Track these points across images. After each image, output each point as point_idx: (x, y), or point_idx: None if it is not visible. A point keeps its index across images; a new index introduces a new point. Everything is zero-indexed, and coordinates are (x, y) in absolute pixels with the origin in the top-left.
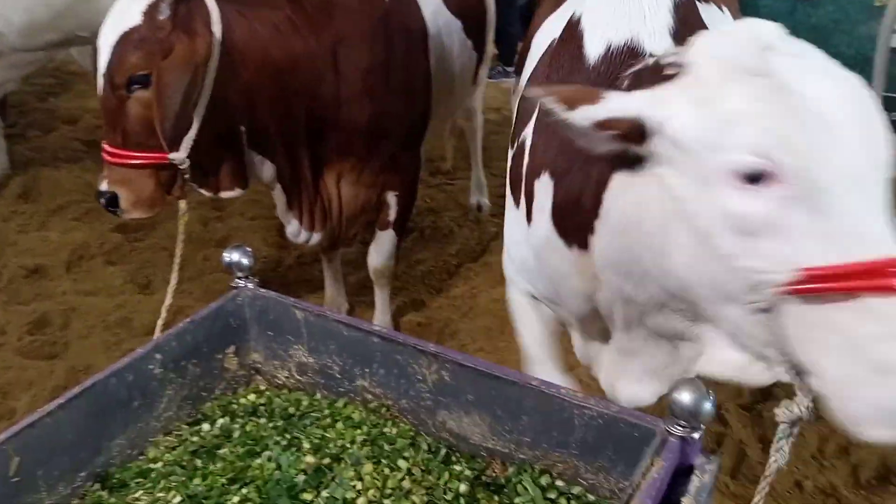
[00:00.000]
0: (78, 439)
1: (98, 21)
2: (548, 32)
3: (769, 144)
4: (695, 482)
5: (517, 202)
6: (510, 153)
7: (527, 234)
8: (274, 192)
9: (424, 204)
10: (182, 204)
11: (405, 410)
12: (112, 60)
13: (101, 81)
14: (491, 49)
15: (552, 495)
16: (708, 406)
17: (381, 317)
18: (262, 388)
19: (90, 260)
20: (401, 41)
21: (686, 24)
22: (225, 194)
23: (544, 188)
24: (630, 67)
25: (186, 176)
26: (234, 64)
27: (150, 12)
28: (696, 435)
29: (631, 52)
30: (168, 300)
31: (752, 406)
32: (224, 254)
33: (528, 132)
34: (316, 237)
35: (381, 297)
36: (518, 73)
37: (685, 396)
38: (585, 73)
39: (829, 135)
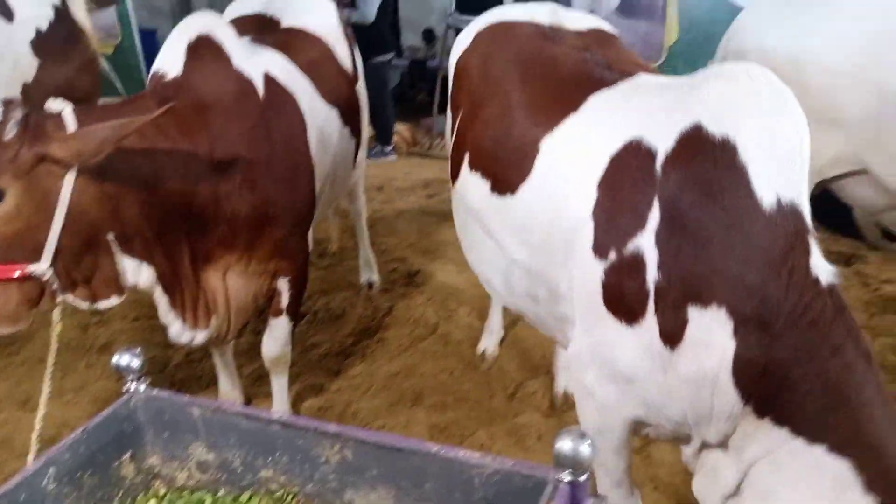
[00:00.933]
0: None
1: None
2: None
3: None
4: None
5: (630, 319)
6: (597, 261)
7: (665, 362)
8: (154, 293)
9: (315, 287)
10: (55, 311)
11: (311, 495)
12: None
13: None
14: (367, 132)
15: None
16: (586, 450)
17: (279, 406)
18: (162, 491)
19: None
20: (280, 134)
21: None
22: (102, 304)
23: (716, 324)
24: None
25: (54, 287)
26: (91, 174)
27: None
28: (582, 478)
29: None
30: (41, 410)
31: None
32: (113, 358)
33: (643, 241)
34: (201, 335)
35: (278, 386)
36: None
37: (566, 444)
38: (760, 223)
39: None
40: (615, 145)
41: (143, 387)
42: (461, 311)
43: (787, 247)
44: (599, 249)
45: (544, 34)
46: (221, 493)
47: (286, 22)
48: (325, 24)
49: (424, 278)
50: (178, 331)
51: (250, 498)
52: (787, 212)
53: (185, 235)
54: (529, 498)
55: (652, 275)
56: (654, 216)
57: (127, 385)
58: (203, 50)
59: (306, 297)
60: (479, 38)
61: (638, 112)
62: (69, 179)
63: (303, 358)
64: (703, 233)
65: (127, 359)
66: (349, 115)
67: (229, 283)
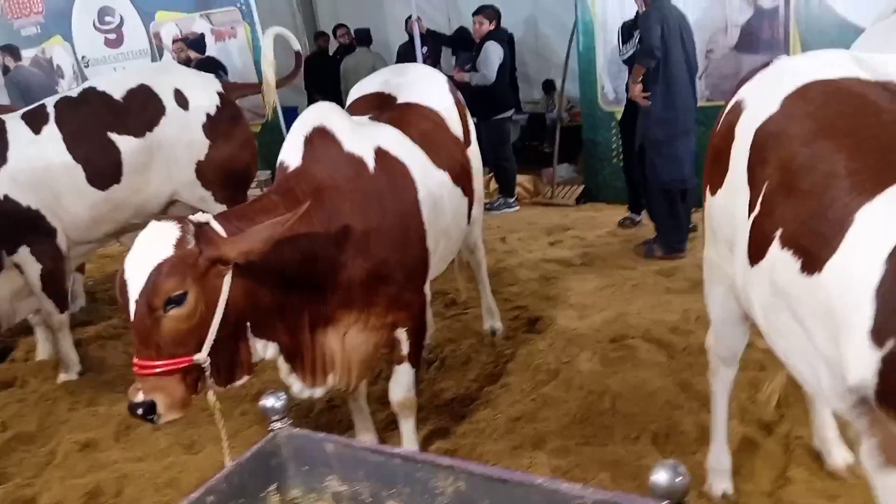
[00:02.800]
0: None
1: (147, 210)
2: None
3: None
4: None
5: None
6: (872, 350)
7: None
8: (277, 362)
9: (443, 335)
10: (210, 395)
11: None
12: (148, 287)
13: (133, 307)
14: (481, 191)
15: None
16: (679, 481)
17: (408, 448)
18: None
19: (137, 428)
20: (391, 200)
21: None
22: (232, 384)
23: None
24: None
25: (208, 374)
26: (240, 271)
27: (180, 244)
28: None
29: None
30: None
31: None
32: (261, 401)
33: None
34: (319, 391)
35: (406, 428)
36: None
37: (661, 476)
38: None
39: None
40: None
41: (285, 426)
42: (582, 356)
43: None
44: (878, 335)
45: (879, 92)
46: None
47: (402, 98)
48: (437, 96)
49: (546, 324)
50: (299, 389)
51: None
52: None
53: (305, 307)
54: None
55: None
56: None
57: (271, 424)
58: (317, 140)
59: (434, 345)
60: (791, 102)
61: None
62: (228, 278)
63: (430, 403)
64: None
65: (272, 401)
66: (460, 177)
67: (349, 339)
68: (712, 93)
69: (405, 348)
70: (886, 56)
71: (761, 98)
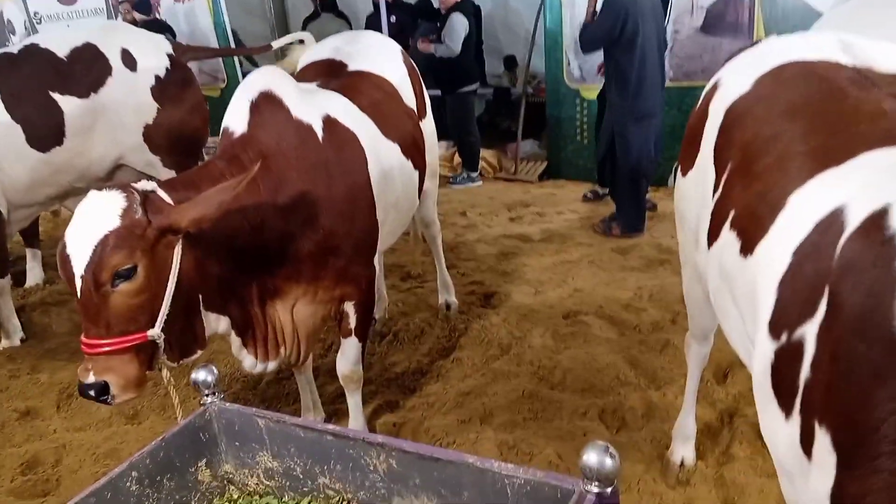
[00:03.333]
0: None
1: (92, 173)
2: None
3: None
4: None
5: (787, 412)
6: (769, 341)
7: (803, 470)
8: (228, 337)
9: (396, 308)
10: (165, 372)
11: (364, 502)
12: (93, 261)
13: (78, 283)
14: (435, 165)
15: None
16: (610, 463)
17: (354, 421)
18: (236, 496)
19: (80, 397)
20: (339, 172)
21: None
22: (186, 360)
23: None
24: None
25: (162, 350)
26: (189, 240)
27: (127, 213)
28: (608, 490)
29: None
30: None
31: None
32: (191, 374)
33: (807, 332)
34: (272, 365)
35: (353, 402)
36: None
37: (591, 458)
38: None
39: None
40: (824, 210)
41: (217, 400)
42: (534, 332)
43: None
44: (774, 328)
45: (852, 79)
46: (286, 498)
47: (353, 66)
48: (390, 66)
49: (500, 300)
50: (251, 364)
51: (310, 503)
52: None
53: (254, 280)
54: None
55: (805, 373)
56: (822, 306)
57: (202, 398)
58: (264, 105)
59: (388, 318)
60: (762, 83)
61: (869, 176)
62: (178, 249)
63: (381, 376)
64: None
65: (203, 375)
66: (411, 150)
67: (297, 313)
68: (676, 73)
69: (353, 322)
70: (873, 42)
71: (736, 77)
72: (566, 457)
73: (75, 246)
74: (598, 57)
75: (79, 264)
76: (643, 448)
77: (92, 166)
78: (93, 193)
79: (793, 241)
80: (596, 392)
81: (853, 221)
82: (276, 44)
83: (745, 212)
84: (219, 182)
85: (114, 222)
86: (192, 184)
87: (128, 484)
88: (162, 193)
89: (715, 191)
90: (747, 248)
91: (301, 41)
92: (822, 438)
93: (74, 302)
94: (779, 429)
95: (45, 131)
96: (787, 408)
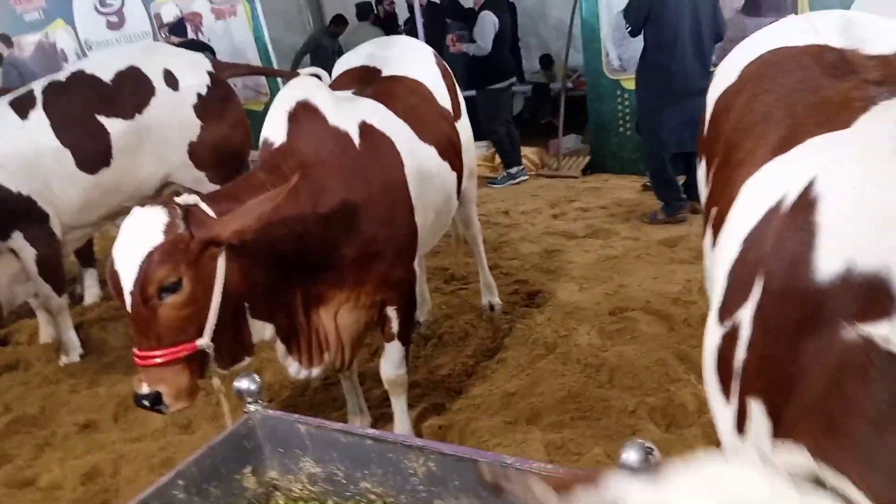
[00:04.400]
0: None
1: (142, 193)
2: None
3: None
4: None
5: (727, 396)
6: (717, 328)
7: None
8: (274, 344)
9: (441, 311)
10: (215, 380)
11: None
12: (140, 277)
13: (128, 298)
14: (473, 165)
15: None
16: (652, 461)
17: (400, 425)
18: (281, 502)
19: (135, 409)
20: (377, 175)
21: None
22: (236, 366)
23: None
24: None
25: (212, 358)
26: (233, 251)
27: (170, 228)
28: None
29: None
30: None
31: None
32: (234, 383)
33: (744, 315)
34: (317, 371)
35: (398, 406)
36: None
37: (631, 456)
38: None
39: None
40: (774, 197)
41: (260, 408)
42: (580, 330)
43: None
44: (720, 313)
45: (832, 65)
46: (329, 503)
47: (387, 71)
48: (424, 69)
49: (545, 298)
50: (296, 370)
51: None
52: None
53: (298, 287)
54: None
55: (739, 354)
56: (757, 288)
57: (245, 406)
58: (301, 115)
59: (432, 320)
60: (746, 73)
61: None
62: (222, 260)
63: (427, 379)
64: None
65: (245, 383)
66: (448, 152)
67: (341, 318)
68: (718, 56)
69: (395, 326)
70: (879, 20)
71: (727, 67)
72: (616, 455)
73: (122, 262)
74: (637, 44)
75: (127, 280)
76: (695, 445)
77: (141, 186)
78: (136, 210)
79: (743, 230)
80: (645, 389)
81: (788, 204)
82: (304, 72)
83: (717, 203)
84: (260, 193)
85: (157, 238)
86: (234, 196)
87: (175, 492)
88: (204, 206)
89: (706, 186)
90: (715, 240)
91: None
92: (756, 410)
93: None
94: (720, 414)
95: (93, 154)
96: (727, 392)
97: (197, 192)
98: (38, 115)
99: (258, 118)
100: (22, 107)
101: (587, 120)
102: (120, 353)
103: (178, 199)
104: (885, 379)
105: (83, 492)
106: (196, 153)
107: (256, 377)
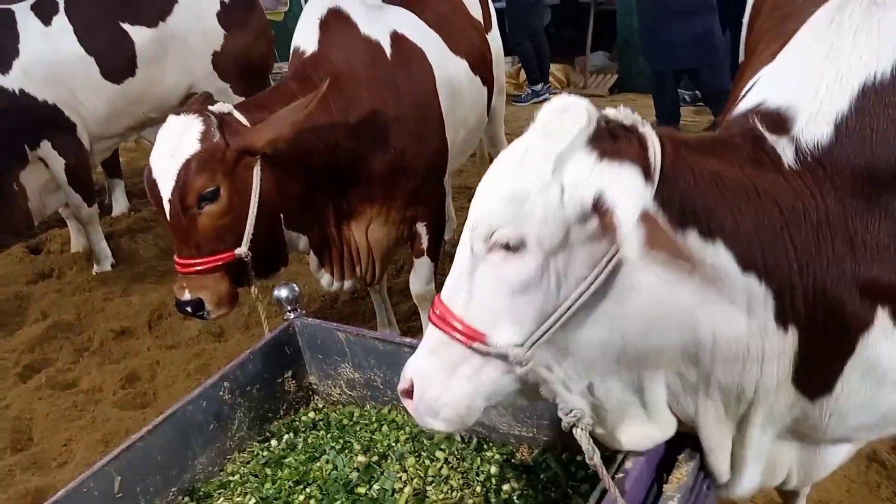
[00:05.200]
0: (166, 460)
1: (166, 103)
2: None
3: None
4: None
5: None
6: None
7: None
8: (308, 256)
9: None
10: (253, 288)
11: None
12: (178, 185)
13: (167, 207)
14: (502, 80)
15: (573, 469)
16: None
17: None
18: (320, 405)
19: (169, 317)
20: (408, 89)
21: None
22: (274, 275)
23: None
24: None
25: (250, 267)
26: (267, 161)
27: (206, 137)
28: None
29: None
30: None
31: None
32: (274, 292)
33: None
34: (348, 284)
35: (426, 320)
36: None
37: None
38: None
39: None
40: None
41: (299, 315)
42: None
43: None
44: None
45: None
46: (367, 407)
47: None
48: None
49: None
50: (328, 282)
51: (389, 411)
52: None
53: (330, 201)
54: None
55: None
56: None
57: (285, 314)
58: (333, 23)
59: (456, 237)
60: None
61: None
62: (257, 170)
63: None
64: None
65: (285, 292)
66: (479, 65)
67: (371, 233)
68: None
69: (424, 242)
70: None
71: None
72: None
73: (160, 171)
74: None
75: (165, 189)
76: None
77: (165, 96)
78: (171, 119)
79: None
80: None
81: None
82: None
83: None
84: (291, 102)
85: (194, 146)
86: (265, 105)
87: (221, 393)
88: (238, 115)
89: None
90: None
91: None
92: None
93: (161, 226)
94: None
95: (118, 63)
96: None
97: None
98: (60, 20)
99: (277, 29)
100: (44, 11)
101: (616, 36)
102: (150, 263)
103: (211, 108)
104: (748, 147)
105: (123, 395)
106: (220, 63)
107: (295, 286)
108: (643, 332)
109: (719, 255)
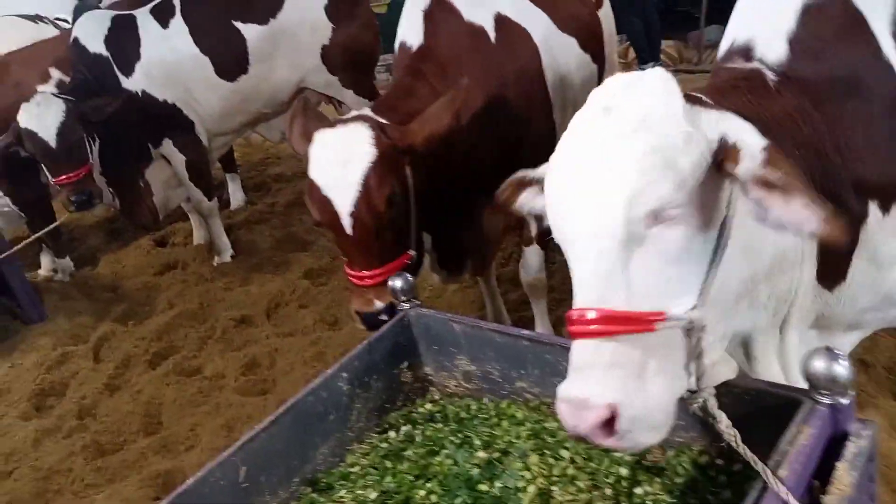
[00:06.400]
0: (288, 450)
1: (278, 99)
2: None
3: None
4: (850, 448)
5: None
6: None
7: None
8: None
9: None
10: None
11: None
12: (365, 194)
13: (348, 221)
14: (614, 58)
15: (712, 473)
16: (841, 370)
17: (541, 328)
18: (437, 397)
19: (286, 306)
20: (513, 71)
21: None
22: (420, 271)
23: None
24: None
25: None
26: (412, 161)
27: (378, 141)
28: (844, 401)
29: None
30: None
31: None
32: (389, 282)
33: None
34: (461, 276)
35: (538, 309)
36: None
37: (818, 364)
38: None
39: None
40: None
41: (414, 306)
42: None
43: None
44: None
45: None
46: (485, 400)
47: None
48: None
49: None
50: (443, 277)
51: (509, 405)
52: None
53: (445, 193)
54: (785, 421)
55: None
56: None
57: (399, 304)
58: (436, 12)
59: None
60: None
61: None
62: (408, 169)
63: (563, 285)
64: None
65: (399, 282)
66: (589, 42)
67: (483, 225)
68: None
69: (534, 230)
70: None
71: None
72: None
73: (334, 185)
74: None
75: (345, 201)
76: None
77: (277, 92)
78: (325, 133)
79: None
80: None
81: None
82: None
83: None
84: (413, 98)
85: (371, 152)
86: (393, 106)
87: (340, 384)
88: (379, 118)
89: None
90: None
91: None
92: None
93: (277, 217)
94: None
95: (231, 61)
96: None
97: (331, 98)
98: (177, 22)
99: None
100: (162, 15)
101: (732, 8)
102: (267, 254)
103: (351, 114)
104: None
105: (244, 381)
106: (328, 56)
107: (409, 276)
108: (759, 257)
109: None
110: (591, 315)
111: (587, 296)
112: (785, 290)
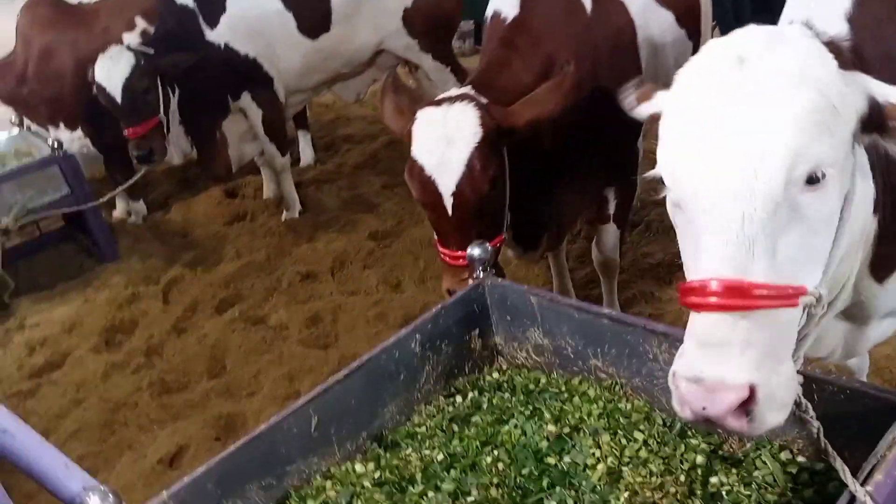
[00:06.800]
0: (359, 405)
1: (357, 59)
2: None
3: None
4: None
5: None
6: None
7: None
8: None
9: (650, 197)
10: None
11: (639, 389)
12: (470, 175)
13: (450, 201)
14: (709, 35)
15: (793, 470)
16: None
17: (609, 308)
18: (504, 367)
19: (350, 265)
20: (607, 45)
21: None
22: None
23: None
24: None
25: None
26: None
27: (484, 121)
28: None
29: None
30: None
31: None
32: (467, 250)
33: None
34: (538, 253)
35: (607, 289)
36: None
37: None
38: None
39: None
40: None
41: (490, 275)
42: None
43: None
44: None
45: None
46: (554, 375)
47: None
48: None
49: None
50: (519, 253)
51: (580, 382)
52: None
53: (532, 173)
54: (878, 422)
55: None
56: None
57: (476, 272)
58: None
59: (639, 206)
60: None
61: None
62: (504, 149)
63: (634, 266)
64: None
65: (478, 251)
66: (686, 17)
67: (562, 201)
68: None
69: (612, 208)
70: None
71: None
72: None
73: (438, 164)
74: None
75: (449, 182)
76: None
77: (357, 53)
78: (428, 111)
79: None
80: None
81: None
82: None
83: None
84: (508, 72)
85: (477, 132)
86: (491, 83)
87: (412, 345)
88: (479, 97)
89: None
90: None
91: None
92: None
93: (345, 177)
94: None
95: (313, 19)
96: None
97: (408, 61)
98: None
99: None
100: None
101: None
102: (334, 213)
103: (452, 92)
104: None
105: (308, 334)
106: (410, 19)
107: (488, 246)
108: (852, 233)
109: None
110: (730, 287)
111: (721, 265)
112: (846, 269)
